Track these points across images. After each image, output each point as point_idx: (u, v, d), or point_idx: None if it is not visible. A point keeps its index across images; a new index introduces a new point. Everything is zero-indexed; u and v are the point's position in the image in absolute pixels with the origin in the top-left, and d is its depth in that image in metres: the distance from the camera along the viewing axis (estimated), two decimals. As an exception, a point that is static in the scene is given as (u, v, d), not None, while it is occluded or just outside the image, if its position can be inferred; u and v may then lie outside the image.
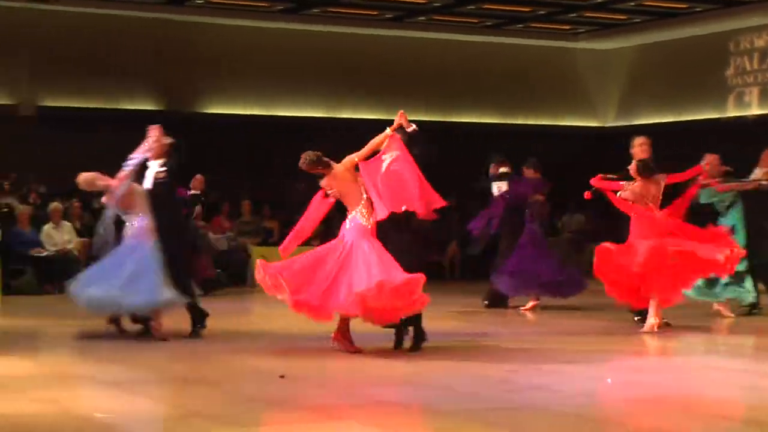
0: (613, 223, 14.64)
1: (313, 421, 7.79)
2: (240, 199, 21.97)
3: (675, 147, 16.80)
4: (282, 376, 9.36)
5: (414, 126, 11.43)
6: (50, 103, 24.00)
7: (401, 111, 11.57)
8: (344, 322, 11.09)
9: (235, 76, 25.25)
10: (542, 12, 24.61)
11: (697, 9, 24.21)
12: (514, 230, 16.20)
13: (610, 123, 28.34)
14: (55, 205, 19.49)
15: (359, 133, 11.78)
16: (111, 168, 22.37)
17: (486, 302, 16.55)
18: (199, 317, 12.73)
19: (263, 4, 23.84)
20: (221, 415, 7.95)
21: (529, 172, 16.50)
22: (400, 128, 11.38)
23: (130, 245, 12.49)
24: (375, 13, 24.60)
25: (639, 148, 13.77)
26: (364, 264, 10.70)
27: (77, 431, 7.42)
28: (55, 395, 8.75)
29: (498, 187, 16.46)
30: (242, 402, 8.50)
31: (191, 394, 8.94)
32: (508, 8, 24.08)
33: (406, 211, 11.02)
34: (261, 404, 8.46)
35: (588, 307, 16.36)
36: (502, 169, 16.58)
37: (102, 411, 8.08)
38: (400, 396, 8.96)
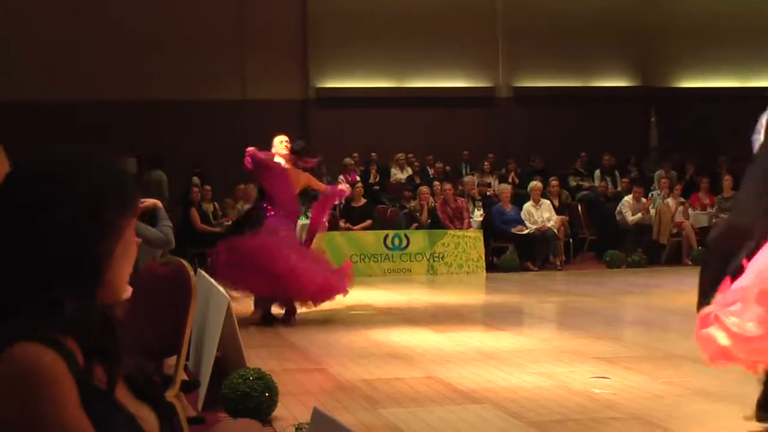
0: None
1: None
2: (720, 174, 21.36)
3: None
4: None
5: None
6: (525, 83, 24.49)
7: None
8: None
9: (709, 48, 24.62)
10: None
11: None
12: None
13: None
14: (535, 183, 19.82)
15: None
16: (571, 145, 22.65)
17: None
18: None
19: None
20: (720, 393, 7.74)
21: None
22: None
23: None
24: None
25: None
26: None
27: (578, 406, 7.47)
28: (551, 370, 8.87)
29: None
30: (739, 380, 8.20)
31: (685, 371, 8.76)
32: None
33: None
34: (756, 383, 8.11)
35: None
36: None
37: (598, 387, 8.10)
38: None
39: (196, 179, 21.02)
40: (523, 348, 10.19)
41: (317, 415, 3.14)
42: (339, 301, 14.73)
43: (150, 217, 8.18)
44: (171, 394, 5.68)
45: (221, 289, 7.46)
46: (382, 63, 24.10)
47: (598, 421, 7.02)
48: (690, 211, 20.15)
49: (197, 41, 23.11)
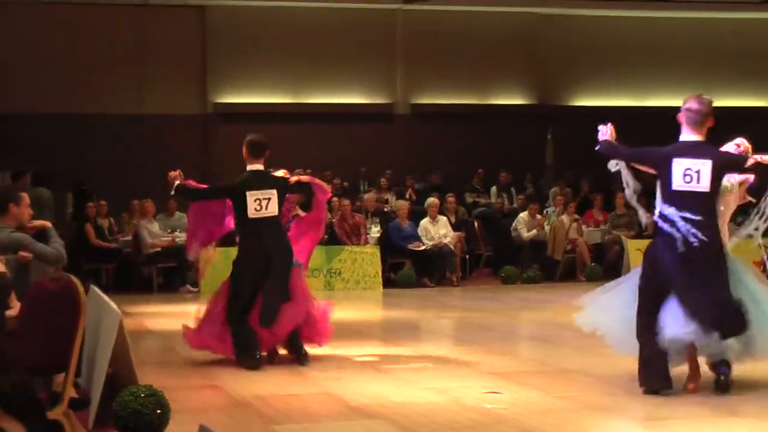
0: None
1: (702, 416, 7.59)
2: (614, 192, 21.67)
3: None
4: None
5: None
6: (423, 100, 24.64)
7: None
8: None
9: (604, 67, 25.04)
10: None
11: None
12: None
13: None
14: (432, 200, 19.91)
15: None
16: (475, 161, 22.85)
17: None
18: None
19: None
20: (610, 407, 7.85)
21: None
22: None
23: None
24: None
25: None
26: None
27: (470, 421, 7.52)
28: (445, 385, 8.91)
29: None
30: (628, 394, 8.34)
31: (577, 385, 8.88)
32: None
33: None
34: (645, 397, 8.23)
35: None
36: None
37: (490, 402, 8.16)
38: None
39: (70, 196, 20.92)
40: (418, 363, 10.23)
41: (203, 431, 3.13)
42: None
43: (39, 235, 8.11)
44: (58, 412, 5.60)
45: (113, 305, 7.37)
46: (280, 79, 24.03)
47: (490, 436, 7.09)
48: (584, 227, 20.41)
49: (96, 55, 22.80)
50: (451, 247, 19.32)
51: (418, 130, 24.10)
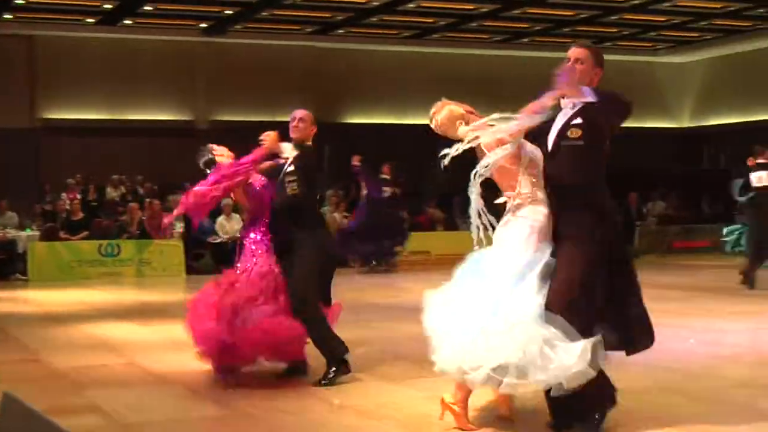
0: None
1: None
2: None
3: (745, 144, 16.39)
4: None
5: None
6: (221, 117, 24.47)
7: None
8: None
9: (370, 90, 25.43)
10: (626, 32, 24.30)
11: (759, 27, 23.70)
12: None
13: (686, 124, 27.89)
14: (226, 201, 19.78)
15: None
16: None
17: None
18: None
19: (392, 32, 23.99)
20: (378, 371, 8.01)
21: None
22: None
23: None
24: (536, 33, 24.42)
25: None
26: None
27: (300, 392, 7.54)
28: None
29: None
30: (391, 360, 8.51)
31: (355, 355, 8.97)
32: (598, 29, 23.80)
33: None
34: (407, 363, 8.37)
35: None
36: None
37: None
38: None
39: None
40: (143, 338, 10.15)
41: (7, 398, 3.04)
42: (57, 301, 14.27)
43: None
44: None
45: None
46: (99, 97, 23.42)
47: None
48: (351, 222, 20.70)
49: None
50: (244, 239, 19.24)
51: (216, 142, 23.83)
